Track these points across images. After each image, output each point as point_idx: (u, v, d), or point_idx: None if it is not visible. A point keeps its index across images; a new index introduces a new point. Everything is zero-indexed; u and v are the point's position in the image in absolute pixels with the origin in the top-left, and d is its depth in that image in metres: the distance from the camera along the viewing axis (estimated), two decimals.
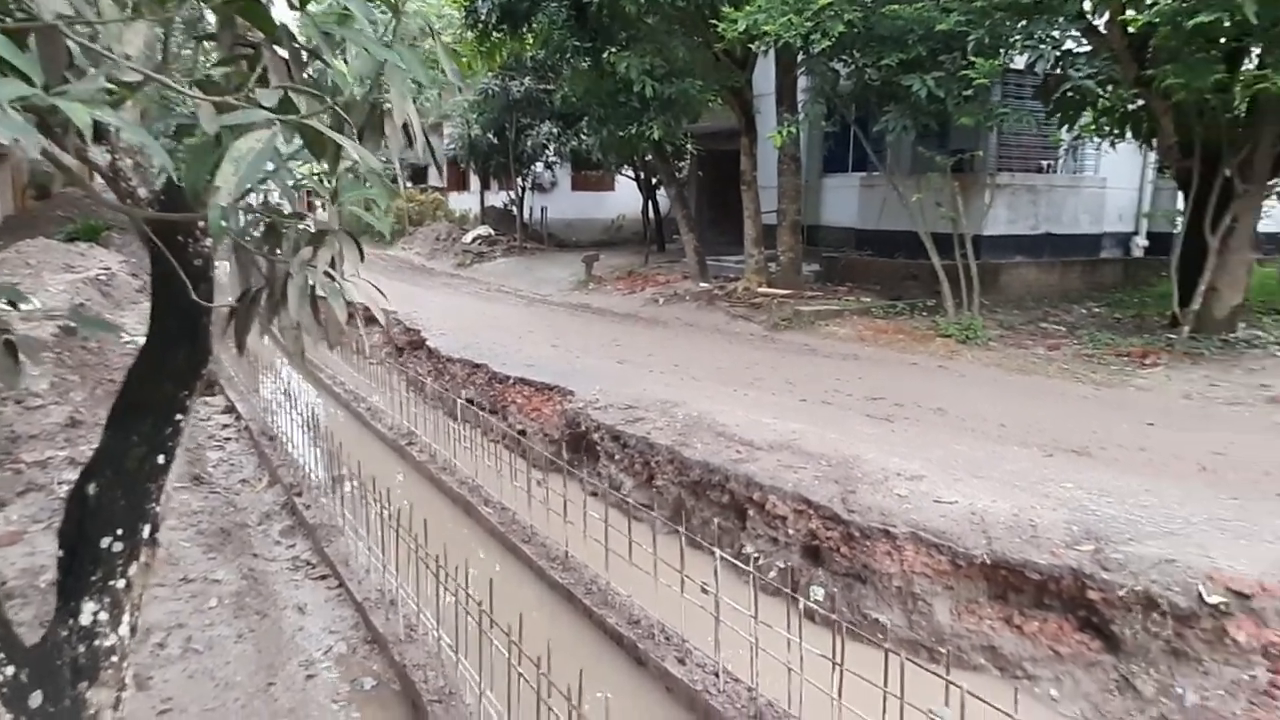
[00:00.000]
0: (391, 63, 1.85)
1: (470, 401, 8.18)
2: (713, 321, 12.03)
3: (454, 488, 6.47)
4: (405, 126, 1.96)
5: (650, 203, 20.12)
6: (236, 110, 1.41)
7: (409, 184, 29.04)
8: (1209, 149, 8.92)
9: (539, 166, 22.50)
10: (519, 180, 22.02)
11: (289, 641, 4.23)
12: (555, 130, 19.72)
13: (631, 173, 19.92)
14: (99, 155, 2.32)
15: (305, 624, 4.44)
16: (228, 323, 2.11)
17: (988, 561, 4.09)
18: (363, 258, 2.11)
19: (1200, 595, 3.48)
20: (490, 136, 21.03)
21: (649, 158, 16.42)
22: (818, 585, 4.69)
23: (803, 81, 12.54)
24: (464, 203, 27.56)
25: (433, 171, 29.56)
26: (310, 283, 1.94)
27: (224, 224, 1.67)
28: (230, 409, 8.61)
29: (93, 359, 7.79)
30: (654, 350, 9.80)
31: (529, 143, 20.61)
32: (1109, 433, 6.21)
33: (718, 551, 3.82)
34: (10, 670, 2.18)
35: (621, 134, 12.85)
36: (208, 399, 8.81)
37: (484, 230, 23.14)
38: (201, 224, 2.48)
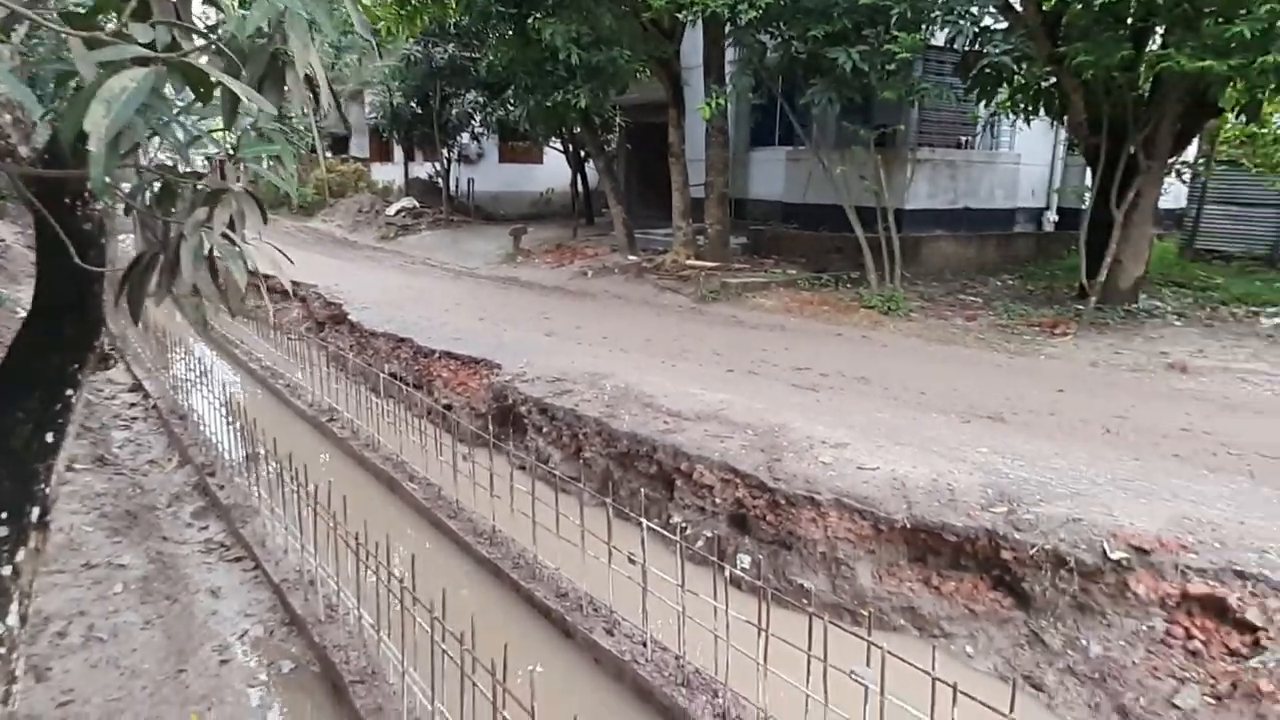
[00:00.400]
0: (292, 10, 1.73)
1: (394, 376, 7.97)
2: (641, 294, 12.01)
3: (378, 464, 6.31)
4: (309, 80, 1.84)
5: (579, 175, 19.90)
6: (109, 47, 1.28)
7: (329, 154, 28.01)
8: (1115, 126, 9.27)
9: (465, 137, 21.97)
10: (444, 151, 21.45)
11: (201, 626, 4.06)
12: (481, 99, 19.25)
13: (560, 145, 19.64)
14: None
15: (219, 608, 4.27)
16: (120, 290, 1.97)
17: (908, 525, 4.20)
18: (265, 219, 1.99)
19: (1104, 552, 3.64)
20: (413, 105, 20.38)
21: (577, 130, 16.18)
22: (744, 553, 4.75)
23: (730, 54, 12.50)
24: (387, 174, 26.74)
25: (355, 141, 28.58)
26: (207, 245, 1.82)
27: (107, 181, 1.54)
28: (137, 387, 8.19)
29: None
30: (582, 323, 9.73)
31: (454, 112, 20.08)
32: (1022, 399, 6.45)
33: (645, 522, 3.81)
34: None
35: (548, 103, 12.62)
36: (111, 376, 8.36)
37: (408, 202, 22.51)
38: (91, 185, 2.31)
